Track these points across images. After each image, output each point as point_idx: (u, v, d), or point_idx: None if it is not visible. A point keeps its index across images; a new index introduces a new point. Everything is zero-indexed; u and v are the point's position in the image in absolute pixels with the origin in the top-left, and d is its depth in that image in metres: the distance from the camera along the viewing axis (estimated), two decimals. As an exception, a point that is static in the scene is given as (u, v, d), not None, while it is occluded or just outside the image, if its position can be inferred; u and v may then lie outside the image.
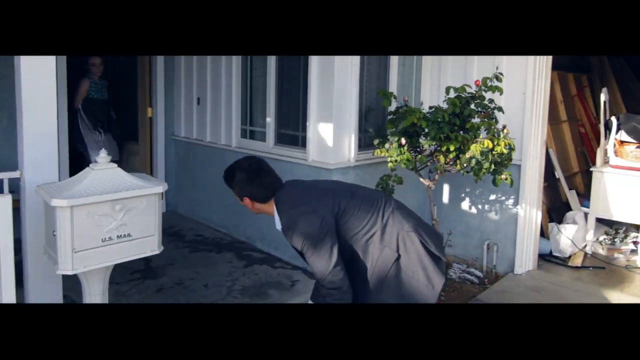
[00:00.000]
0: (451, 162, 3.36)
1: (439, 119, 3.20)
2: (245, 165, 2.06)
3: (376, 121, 4.05)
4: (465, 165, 3.25)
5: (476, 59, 4.01)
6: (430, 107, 3.45)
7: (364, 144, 3.90)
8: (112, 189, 2.09)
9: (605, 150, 4.58)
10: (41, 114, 2.29)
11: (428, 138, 3.28)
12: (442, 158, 3.30)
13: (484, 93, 3.27)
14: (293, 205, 1.98)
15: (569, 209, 4.86)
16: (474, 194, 4.14)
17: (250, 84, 4.36)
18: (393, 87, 4.07)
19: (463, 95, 3.25)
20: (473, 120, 3.26)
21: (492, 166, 3.18)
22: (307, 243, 1.89)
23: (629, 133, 4.43)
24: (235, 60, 4.35)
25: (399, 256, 1.98)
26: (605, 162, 4.53)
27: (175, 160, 5.19)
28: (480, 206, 4.12)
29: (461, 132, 3.25)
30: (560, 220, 4.63)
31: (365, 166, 3.90)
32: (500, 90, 3.23)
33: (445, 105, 3.30)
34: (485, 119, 3.24)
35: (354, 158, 3.77)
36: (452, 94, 3.29)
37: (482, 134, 3.30)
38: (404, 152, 3.38)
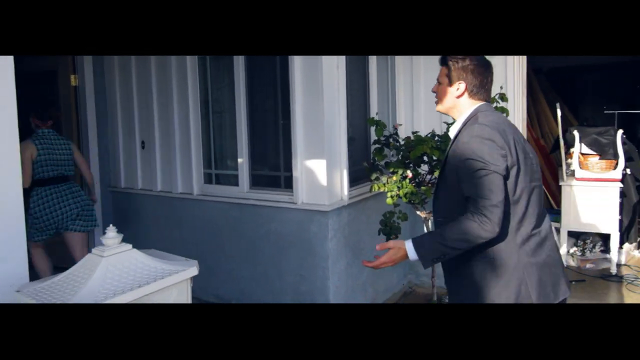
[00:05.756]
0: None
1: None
2: (476, 57, 1.80)
3: (361, 152, 3.71)
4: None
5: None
6: (434, 135, 3.19)
7: (352, 178, 3.54)
8: (135, 281, 1.49)
9: (568, 164, 4.67)
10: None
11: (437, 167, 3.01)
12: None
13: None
14: (488, 123, 1.68)
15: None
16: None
17: (212, 121, 3.81)
18: (373, 112, 3.77)
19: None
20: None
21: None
22: (468, 163, 1.63)
23: (589, 145, 4.56)
24: (193, 96, 3.78)
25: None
26: (570, 175, 4.61)
27: (114, 216, 4.39)
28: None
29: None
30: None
31: (358, 204, 3.52)
32: (506, 112, 3.07)
33: (439, 131, 3.06)
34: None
35: (347, 196, 3.38)
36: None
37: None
38: (407, 186, 3.10)
